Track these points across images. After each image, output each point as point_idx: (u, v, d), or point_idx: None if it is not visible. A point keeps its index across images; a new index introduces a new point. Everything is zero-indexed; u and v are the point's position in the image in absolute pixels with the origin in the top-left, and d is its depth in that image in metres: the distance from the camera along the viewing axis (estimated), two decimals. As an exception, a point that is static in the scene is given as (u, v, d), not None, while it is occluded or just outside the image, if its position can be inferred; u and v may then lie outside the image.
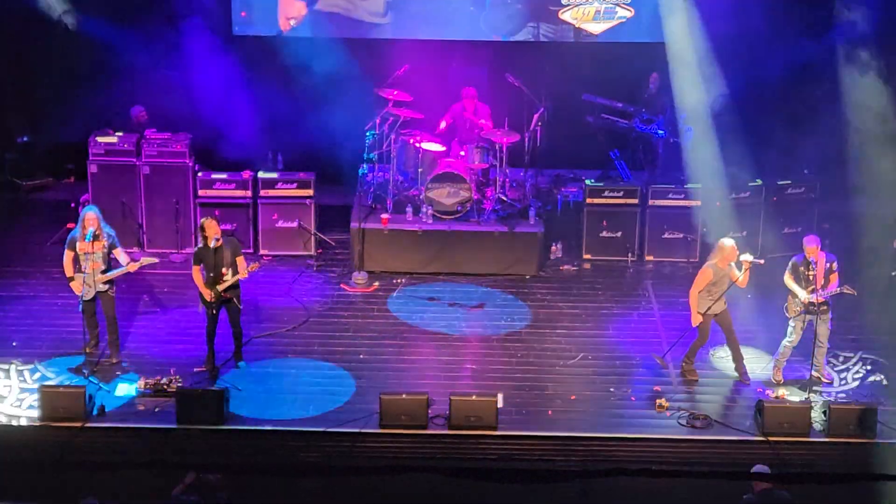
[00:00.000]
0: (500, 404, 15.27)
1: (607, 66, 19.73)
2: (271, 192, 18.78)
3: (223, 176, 18.80)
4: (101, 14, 19.43)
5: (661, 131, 19.26)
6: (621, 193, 18.87)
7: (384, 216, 18.53)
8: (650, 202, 18.82)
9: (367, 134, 18.84)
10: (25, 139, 20.44)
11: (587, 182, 19.02)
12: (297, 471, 14.45)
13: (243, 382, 15.79)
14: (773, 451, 14.84)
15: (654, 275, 18.60)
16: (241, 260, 15.70)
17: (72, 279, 15.79)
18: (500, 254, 18.46)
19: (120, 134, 18.89)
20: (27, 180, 20.36)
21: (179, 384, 15.50)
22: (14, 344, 16.56)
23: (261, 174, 18.87)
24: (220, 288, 15.61)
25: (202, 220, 15.90)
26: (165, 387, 15.47)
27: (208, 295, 15.61)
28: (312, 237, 18.83)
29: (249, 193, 18.78)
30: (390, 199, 18.75)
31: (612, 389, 15.92)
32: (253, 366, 16.13)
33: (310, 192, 18.79)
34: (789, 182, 18.98)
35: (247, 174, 18.81)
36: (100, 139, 18.80)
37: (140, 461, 14.04)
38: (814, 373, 15.72)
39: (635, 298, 17.97)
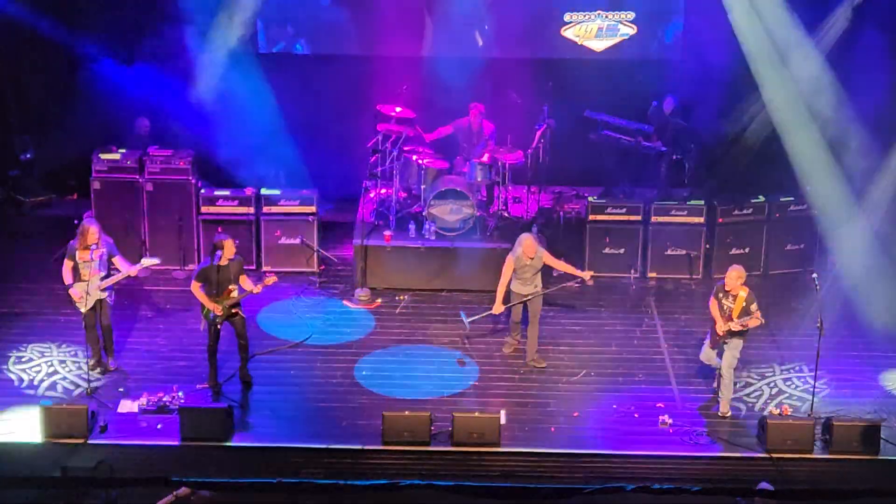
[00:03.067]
0: (502, 421, 15.28)
1: (611, 84, 19.75)
2: (274, 209, 18.78)
3: (226, 192, 18.79)
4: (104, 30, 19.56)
5: (663, 148, 19.27)
6: (624, 210, 18.86)
7: (387, 233, 18.53)
8: (653, 219, 18.81)
9: (370, 150, 18.86)
10: (28, 156, 20.41)
11: (590, 199, 19.03)
12: (299, 487, 14.41)
13: (246, 399, 15.79)
14: (777, 468, 14.82)
15: (656, 291, 18.59)
16: (244, 278, 15.69)
17: (70, 286, 15.82)
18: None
19: (123, 150, 18.91)
20: (30, 197, 20.35)
21: (182, 401, 15.50)
22: (17, 360, 16.61)
23: (263, 191, 18.87)
24: (228, 303, 15.61)
25: (223, 239, 15.69)
26: (168, 403, 15.48)
27: (217, 309, 15.60)
28: (315, 254, 18.83)
29: (252, 210, 18.76)
30: (393, 215, 18.76)
31: (615, 406, 15.91)
32: (255, 382, 16.12)
33: (312, 208, 18.79)
34: (792, 199, 18.95)
35: (249, 191, 18.81)
36: (102, 156, 18.80)
37: (143, 478, 14.00)
38: (719, 403, 15.63)
39: (638, 315, 17.96)
